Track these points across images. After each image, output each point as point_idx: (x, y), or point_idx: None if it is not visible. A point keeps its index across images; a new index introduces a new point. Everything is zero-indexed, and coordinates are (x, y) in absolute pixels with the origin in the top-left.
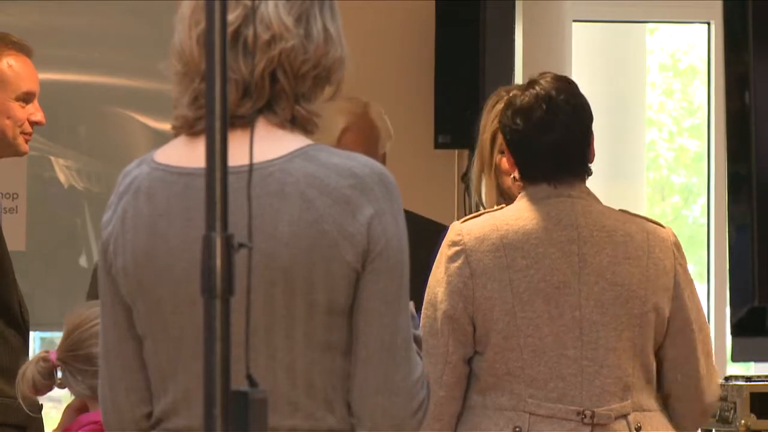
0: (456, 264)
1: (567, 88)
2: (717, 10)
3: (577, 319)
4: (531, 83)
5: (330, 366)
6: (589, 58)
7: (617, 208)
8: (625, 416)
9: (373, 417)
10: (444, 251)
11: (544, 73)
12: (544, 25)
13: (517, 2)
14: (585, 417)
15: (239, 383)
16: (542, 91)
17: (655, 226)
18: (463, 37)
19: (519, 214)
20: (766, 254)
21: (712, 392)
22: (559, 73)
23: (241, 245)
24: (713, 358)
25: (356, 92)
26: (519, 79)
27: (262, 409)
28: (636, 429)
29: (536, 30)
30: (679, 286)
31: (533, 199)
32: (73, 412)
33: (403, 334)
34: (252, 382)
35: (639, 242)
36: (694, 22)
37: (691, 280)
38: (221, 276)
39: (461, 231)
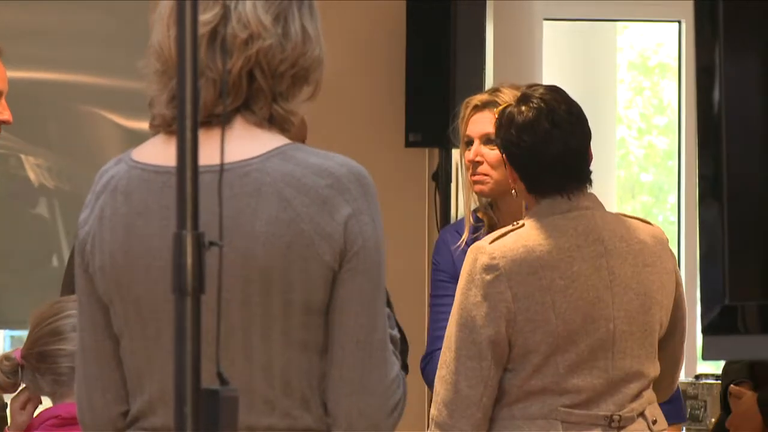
0: (497, 288)
1: (564, 98)
2: (688, 8)
3: (610, 331)
4: (526, 97)
5: (307, 365)
6: (559, 56)
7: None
8: (642, 413)
9: (349, 417)
10: (478, 274)
11: (533, 85)
12: (514, 23)
13: (488, 1)
14: (612, 421)
15: (216, 381)
16: (543, 104)
17: (651, 227)
18: (434, 35)
19: (546, 232)
20: (737, 253)
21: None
22: (530, 71)
23: (212, 243)
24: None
25: (327, 91)
26: (489, 77)
27: (233, 407)
28: (653, 422)
29: (507, 28)
30: (679, 285)
31: (554, 214)
32: (19, 406)
33: (379, 334)
34: (223, 380)
35: (651, 248)
36: (665, 20)
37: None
38: (192, 274)
39: (494, 254)
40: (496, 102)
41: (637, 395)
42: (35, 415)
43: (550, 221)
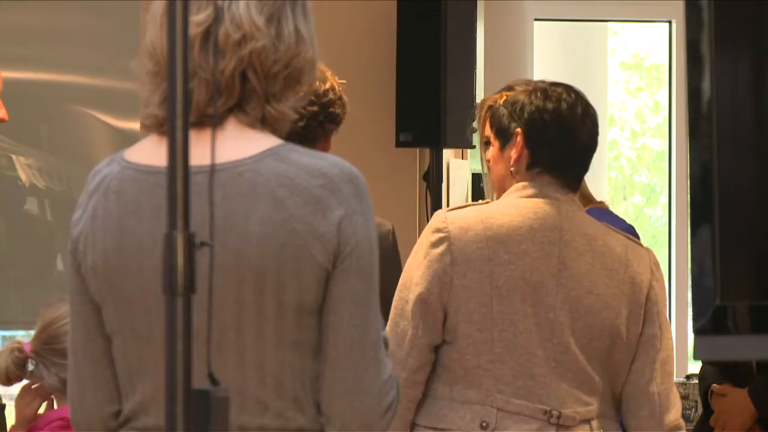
0: (438, 250)
1: (586, 97)
2: (678, 8)
3: (550, 320)
4: (554, 86)
5: (299, 365)
6: (550, 56)
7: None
8: (588, 421)
9: (343, 417)
10: (426, 237)
11: (549, 81)
12: (505, 23)
13: (478, 1)
14: (551, 417)
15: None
16: (575, 95)
17: (635, 244)
18: (425, 35)
19: (505, 209)
20: (728, 254)
21: (672, 415)
22: (521, 71)
23: (203, 244)
24: (673, 380)
25: None
26: (480, 77)
27: (224, 407)
28: None
29: (498, 28)
30: (651, 301)
31: (520, 197)
32: (25, 404)
33: (372, 335)
34: (214, 381)
35: (618, 254)
36: (656, 20)
37: (665, 300)
38: (183, 274)
39: (446, 219)
40: None
41: (584, 400)
42: (40, 412)
43: (513, 201)
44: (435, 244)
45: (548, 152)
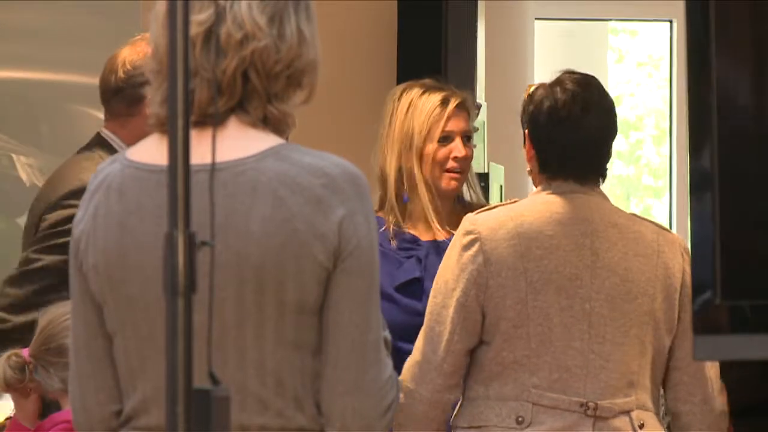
0: (470, 252)
1: (598, 88)
2: (679, 8)
3: (586, 311)
4: (558, 82)
5: (300, 365)
6: (551, 55)
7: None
8: (627, 412)
9: (343, 417)
10: (458, 240)
11: (569, 71)
12: (506, 23)
13: (479, 1)
14: (588, 409)
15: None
16: (578, 88)
17: (663, 230)
18: (426, 34)
19: (533, 206)
20: (729, 252)
21: (721, 399)
22: (522, 70)
23: (203, 243)
24: (718, 369)
25: (318, 90)
26: (481, 77)
27: (225, 406)
28: (639, 426)
29: (499, 28)
30: (686, 286)
31: (547, 194)
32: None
33: (373, 334)
34: (214, 380)
35: (649, 241)
36: (657, 20)
37: None
38: (184, 273)
39: (476, 221)
40: None
41: (623, 391)
42: (35, 413)
43: (540, 198)
44: (467, 247)
45: (551, 151)
